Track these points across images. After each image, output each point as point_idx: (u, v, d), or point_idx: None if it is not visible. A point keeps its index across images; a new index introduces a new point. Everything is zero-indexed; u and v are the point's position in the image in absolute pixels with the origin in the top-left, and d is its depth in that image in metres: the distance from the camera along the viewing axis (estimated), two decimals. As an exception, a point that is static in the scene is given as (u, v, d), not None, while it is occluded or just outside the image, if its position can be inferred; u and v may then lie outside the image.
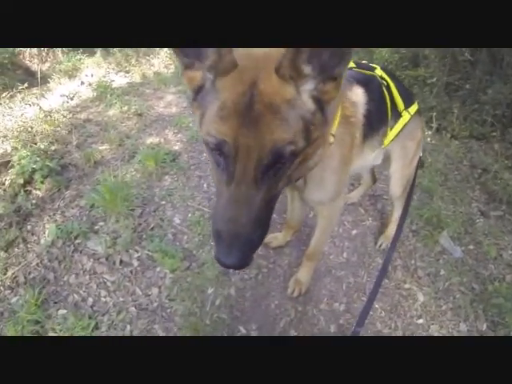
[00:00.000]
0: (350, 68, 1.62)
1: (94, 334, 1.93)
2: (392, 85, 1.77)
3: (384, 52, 5.76)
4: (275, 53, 0.91)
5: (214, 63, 0.92)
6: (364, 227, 2.77)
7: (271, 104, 0.88)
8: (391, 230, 2.43)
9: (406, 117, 1.83)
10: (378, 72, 1.76)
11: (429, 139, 4.27)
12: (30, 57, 7.27)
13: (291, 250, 2.48)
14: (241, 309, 2.11)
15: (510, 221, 2.96)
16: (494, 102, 4.12)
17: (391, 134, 1.80)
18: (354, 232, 2.71)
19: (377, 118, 1.66)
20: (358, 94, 1.52)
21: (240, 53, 0.94)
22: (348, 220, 2.80)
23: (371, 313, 2.13)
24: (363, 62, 1.88)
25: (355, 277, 2.38)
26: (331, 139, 1.28)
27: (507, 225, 2.92)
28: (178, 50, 0.97)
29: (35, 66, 7.00)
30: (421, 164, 2.23)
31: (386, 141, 1.81)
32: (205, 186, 3.04)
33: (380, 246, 2.56)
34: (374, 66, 1.79)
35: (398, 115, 1.82)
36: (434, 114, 4.32)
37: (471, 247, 2.67)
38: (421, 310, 2.22)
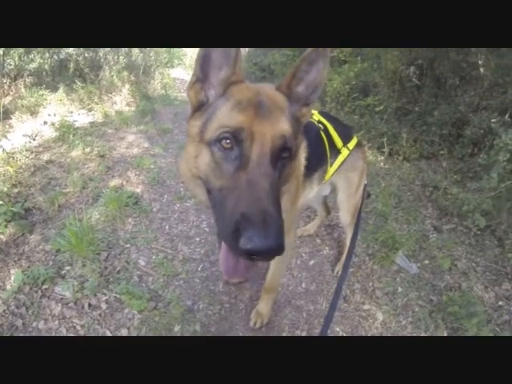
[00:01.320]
0: None
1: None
2: (329, 126, 2.02)
3: (335, 84, 6.23)
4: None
5: (227, 77, 1.13)
6: (321, 257, 2.95)
7: (277, 104, 1.13)
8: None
9: (344, 153, 2.09)
10: (316, 117, 2.01)
11: (382, 164, 4.58)
12: (-9, 88, 7.16)
13: (251, 285, 2.60)
14: (206, 344, 2.22)
15: (462, 231, 3.21)
16: (440, 123, 4.49)
17: (331, 170, 2.05)
18: (312, 262, 2.88)
19: (315, 159, 1.86)
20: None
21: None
22: (305, 251, 2.98)
23: (332, 335, 2.26)
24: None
25: (315, 304, 2.50)
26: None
27: (460, 236, 3.17)
28: (200, 59, 1.14)
29: (-4, 98, 6.90)
30: (367, 195, 2.46)
31: (327, 176, 2.06)
32: (167, 228, 3.19)
33: (337, 272, 2.70)
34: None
35: (337, 152, 2.07)
36: (385, 139, 4.65)
37: (426, 262, 2.87)
38: (381, 328, 2.35)
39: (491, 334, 2.22)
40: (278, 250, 0.88)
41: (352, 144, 2.16)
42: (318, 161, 1.93)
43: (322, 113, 2.10)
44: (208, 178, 1.11)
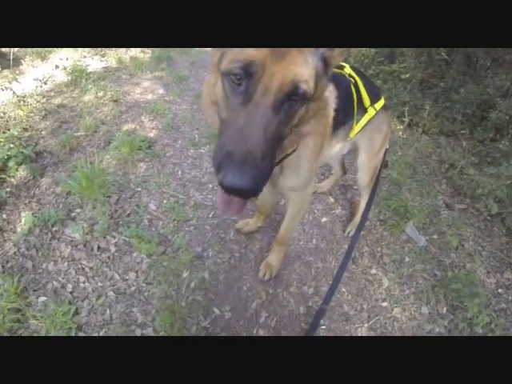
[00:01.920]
0: None
1: (74, 320, 1.97)
2: (360, 82, 1.91)
3: (360, 47, 5.85)
4: None
5: None
6: (333, 215, 2.89)
7: (300, 50, 1.04)
8: (359, 218, 2.51)
9: (371, 112, 1.98)
10: (347, 70, 1.90)
11: (400, 133, 4.42)
12: (2, 37, 7.03)
13: (262, 236, 2.56)
14: (215, 291, 2.20)
15: (472, 214, 3.14)
16: (465, 101, 4.26)
17: (356, 127, 1.95)
18: (324, 220, 2.82)
19: (344, 113, 1.78)
20: (329, 90, 1.62)
21: None
22: (318, 208, 2.91)
23: (338, 296, 2.27)
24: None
25: (324, 262, 2.48)
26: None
27: (470, 217, 3.10)
28: None
29: (7, 46, 6.79)
30: (385, 164, 2.39)
31: (352, 134, 1.95)
32: (179, 173, 3.11)
33: (348, 233, 2.68)
34: (343, 64, 1.92)
35: (364, 110, 1.96)
36: (407, 109, 4.45)
37: (435, 237, 2.83)
38: (385, 294, 2.35)
39: (487, 319, 2.22)
40: (249, 191, 0.91)
41: (379, 105, 2.07)
42: (345, 115, 1.85)
43: (353, 67, 1.98)
44: (219, 106, 1.14)
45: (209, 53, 1.26)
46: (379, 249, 2.67)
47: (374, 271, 2.49)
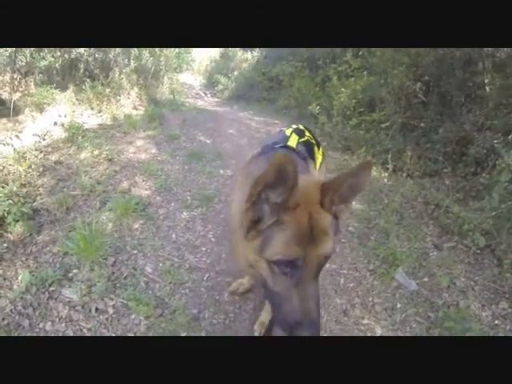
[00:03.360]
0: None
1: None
2: (314, 141, 2.42)
3: (342, 98, 6.34)
4: (312, 187, 1.24)
5: (282, 201, 1.12)
6: (323, 271, 2.89)
7: (323, 229, 1.20)
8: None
9: (320, 158, 2.47)
10: (307, 134, 2.37)
11: (385, 180, 4.65)
12: (2, 84, 7.33)
13: (255, 296, 2.64)
14: (211, 352, 2.25)
15: (462, 250, 3.24)
16: (444, 140, 4.57)
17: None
18: None
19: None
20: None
21: None
22: None
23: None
24: (297, 126, 2.45)
25: None
26: None
27: (459, 254, 3.20)
28: (258, 186, 1.10)
29: (6, 94, 7.04)
30: None
31: None
32: (173, 236, 3.24)
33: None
34: (301, 128, 2.40)
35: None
36: (390, 156, 4.70)
37: (426, 279, 2.90)
38: None
39: None
40: (318, 333, 1.16)
41: (321, 152, 2.54)
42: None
43: (305, 127, 2.52)
44: (264, 280, 1.26)
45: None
46: (370, 298, 2.72)
47: (366, 321, 2.52)
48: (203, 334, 2.30)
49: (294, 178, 1.04)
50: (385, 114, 5.64)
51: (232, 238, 1.51)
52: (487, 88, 4.39)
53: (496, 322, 2.56)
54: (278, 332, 1.30)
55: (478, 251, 3.16)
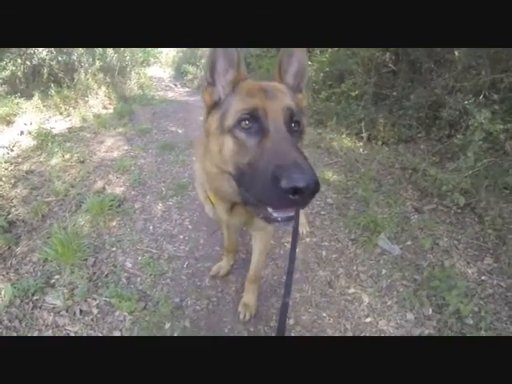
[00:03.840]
0: None
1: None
2: None
3: (310, 72, 6.26)
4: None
5: (233, 77, 1.34)
6: (304, 245, 3.01)
7: (279, 88, 1.36)
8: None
9: None
10: None
11: (361, 150, 4.68)
12: (-36, 100, 7.07)
13: (236, 277, 2.68)
14: (197, 338, 2.28)
15: (442, 211, 3.29)
16: (417, 106, 4.59)
17: None
18: (296, 251, 2.92)
19: None
20: None
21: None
22: (288, 241, 3.01)
23: (320, 321, 2.32)
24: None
25: (300, 292, 2.55)
26: None
27: (440, 215, 3.25)
28: (208, 68, 1.35)
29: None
30: None
31: None
32: (151, 228, 3.25)
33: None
34: None
35: None
36: (363, 124, 4.78)
37: (409, 243, 2.94)
38: (367, 310, 2.39)
39: (476, 309, 2.29)
40: (316, 182, 0.99)
41: None
42: None
43: None
44: (235, 160, 1.23)
45: (201, 130, 1.50)
46: (354, 267, 2.75)
47: (352, 290, 2.55)
48: (187, 322, 2.33)
49: (238, 55, 1.32)
50: (354, 84, 5.63)
51: (196, 169, 1.56)
52: (456, 52, 4.38)
53: (482, 277, 2.60)
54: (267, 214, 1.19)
55: (459, 211, 3.22)
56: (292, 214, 1.15)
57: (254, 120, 1.21)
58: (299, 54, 1.42)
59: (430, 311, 2.35)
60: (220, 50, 1.30)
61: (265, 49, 9.00)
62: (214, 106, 1.37)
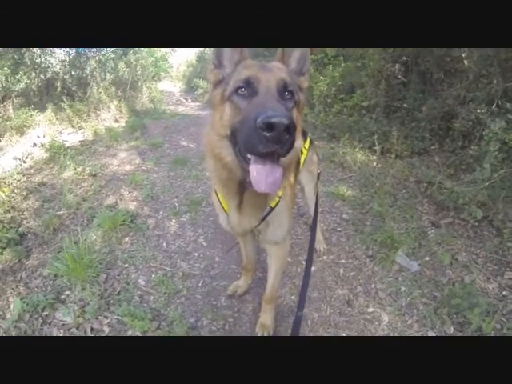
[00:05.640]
0: None
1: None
2: None
3: (322, 86, 6.35)
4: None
5: (238, 60, 1.48)
6: (321, 263, 2.94)
7: (276, 65, 1.47)
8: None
9: (304, 153, 2.38)
10: None
11: (374, 164, 4.62)
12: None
13: (253, 297, 2.60)
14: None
15: (460, 225, 3.21)
16: (429, 118, 4.55)
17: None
18: (312, 269, 2.81)
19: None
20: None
21: None
22: (305, 258, 2.87)
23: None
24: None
25: (318, 311, 2.47)
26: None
27: (458, 229, 3.17)
28: (215, 52, 1.50)
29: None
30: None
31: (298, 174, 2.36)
32: (164, 244, 3.19)
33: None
34: None
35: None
36: (376, 137, 4.74)
37: (427, 258, 2.86)
38: (387, 329, 2.31)
39: (498, 326, 2.22)
40: (288, 118, 1.06)
41: (307, 144, 2.46)
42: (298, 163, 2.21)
43: None
44: (231, 122, 1.34)
45: (210, 98, 1.59)
46: (373, 285, 2.67)
47: (371, 309, 2.47)
48: (203, 344, 2.24)
49: None
50: (365, 93, 5.63)
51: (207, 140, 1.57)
52: (465, 61, 4.36)
53: (504, 293, 2.51)
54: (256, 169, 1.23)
55: (476, 224, 3.13)
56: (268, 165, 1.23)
57: (247, 86, 1.33)
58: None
59: (452, 329, 2.27)
60: None
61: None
62: (218, 82, 1.52)
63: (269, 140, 1.08)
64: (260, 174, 1.21)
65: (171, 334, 2.27)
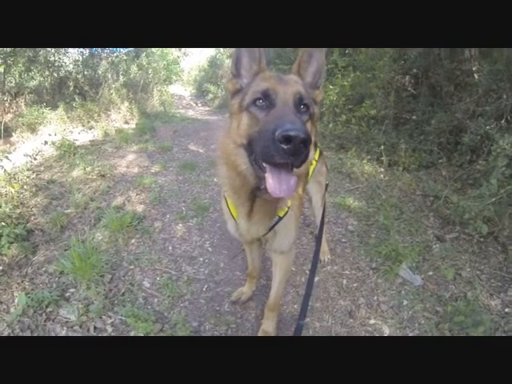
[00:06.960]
0: None
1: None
2: None
3: (331, 96, 6.38)
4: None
5: (254, 71, 1.52)
6: (325, 273, 2.93)
7: (292, 78, 1.51)
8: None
9: (314, 164, 2.36)
10: None
11: (382, 176, 4.61)
12: (-7, 106, 7.27)
13: (256, 304, 2.60)
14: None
15: (464, 240, 3.17)
16: (437, 131, 4.54)
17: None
18: (316, 279, 2.82)
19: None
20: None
21: None
22: (309, 268, 2.80)
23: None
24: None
25: (320, 321, 2.46)
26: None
27: (463, 244, 3.14)
28: (234, 62, 1.54)
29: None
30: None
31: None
32: (170, 248, 3.20)
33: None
34: None
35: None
36: (382, 147, 4.73)
37: (431, 273, 2.84)
38: None
39: None
40: (305, 132, 1.11)
41: (317, 155, 2.45)
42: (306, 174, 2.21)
43: None
44: (248, 132, 1.38)
45: (229, 105, 1.61)
46: (375, 297, 2.66)
47: (372, 321, 2.45)
48: (205, 348, 2.25)
49: (259, 53, 1.49)
50: (374, 103, 5.64)
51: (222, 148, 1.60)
52: (475, 75, 4.37)
53: (506, 310, 2.48)
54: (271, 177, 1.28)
55: (482, 239, 3.09)
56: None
57: (265, 98, 1.37)
58: (318, 54, 1.57)
59: (453, 346, 2.24)
60: (244, 49, 1.51)
61: (286, 71, 9.13)
62: (236, 92, 1.55)
63: (286, 152, 1.12)
64: (275, 181, 1.26)
65: (174, 337, 2.28)
